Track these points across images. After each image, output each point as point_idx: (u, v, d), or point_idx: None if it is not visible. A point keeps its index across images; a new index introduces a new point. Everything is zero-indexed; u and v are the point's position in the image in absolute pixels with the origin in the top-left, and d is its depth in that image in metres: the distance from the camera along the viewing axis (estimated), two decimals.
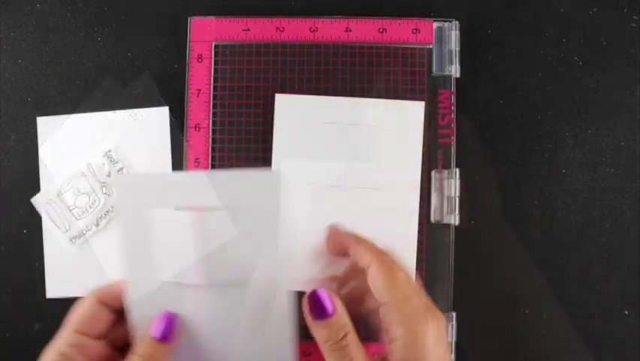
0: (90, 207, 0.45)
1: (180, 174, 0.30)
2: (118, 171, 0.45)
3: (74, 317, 0.30)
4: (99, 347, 0.30)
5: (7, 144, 0.46)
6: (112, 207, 0.45)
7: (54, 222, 0.45)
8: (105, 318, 0.31)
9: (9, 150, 0.46)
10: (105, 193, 0.45)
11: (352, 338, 0.29)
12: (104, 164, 0.45)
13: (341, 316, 0.30)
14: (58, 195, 0.45)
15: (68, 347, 0.29)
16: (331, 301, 0.30)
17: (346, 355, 0.28)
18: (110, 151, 0.45)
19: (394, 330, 0.29)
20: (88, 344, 0.30)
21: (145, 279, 0.31)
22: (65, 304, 0.45)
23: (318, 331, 0.29)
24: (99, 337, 0.31)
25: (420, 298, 0.30)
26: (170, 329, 0.30)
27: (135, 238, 0.31)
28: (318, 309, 0.29)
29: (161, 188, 0.30)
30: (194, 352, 0.31)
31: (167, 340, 0.29)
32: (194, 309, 0.31)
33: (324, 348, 0.29)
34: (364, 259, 0.31)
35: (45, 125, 0.46)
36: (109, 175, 0.45)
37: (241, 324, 0.31)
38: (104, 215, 0.45)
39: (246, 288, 0.31)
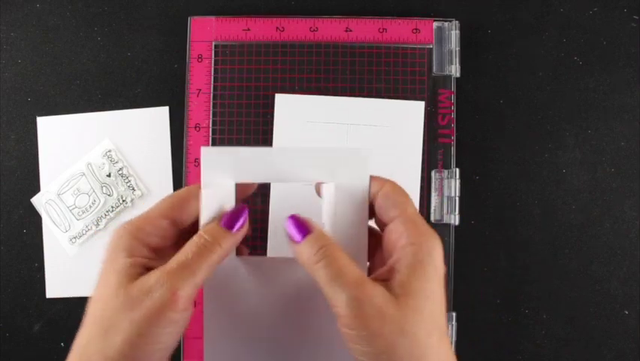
0: (90, 207, 0.45)
1: (267, 150, 0.31)
2: (118, 171, 0.45)
3: (166, 201, 0.30)
4: (171, 229, 0.30)
5: (7, 144, 0.46)
6: (112, 207, 0.45)
7: (54, 222, 0.45)
8: (193, 209, 0.30)
9: (9, 150, 0.46)
10: (105, 193, 0.45)
11: (337, 249, 0.28)
12: (104, 164, 0.45)
13: (320, 231, 0.29)
14: (58, 195, 0.45)
15: (149, 225, 0.29)
16: (308, 222, 0.30)
17: (331, 261, 0.28)
18: (110, 151, 0.45)
19: (408, 237, 0.28)
20: (164, 226, 0.29)
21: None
22: (65, 304, 0.45)
23: (303, 252, 0.29)
24: (178, 224, 0.30)
25: (423, 220, 0.30)
26: (239, 222, 0.30)
27: (217, 208, 0.31)
28: (300, 229, 0.29)
29: (249, 161, 0.31)
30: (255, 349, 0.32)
31: (233, 229, 0.30)
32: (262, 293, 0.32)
33: (309, 265, 0.28)
34: (376, 183, 0.31)
35: (45, 125, 0.46)
36: (109, 175, 0.45)
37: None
38: (104, 215, 0.45)
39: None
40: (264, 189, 0.45)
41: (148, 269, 0.28)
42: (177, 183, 0.46)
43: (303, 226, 0.29)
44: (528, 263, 0.46)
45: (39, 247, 0.46)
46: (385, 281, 0.28)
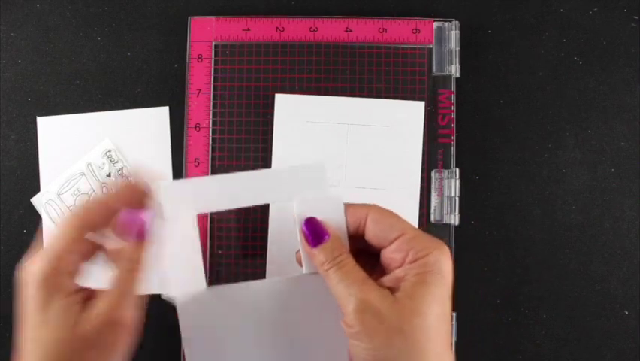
0: None
1: (224, 177, 0.32)
2: (118, 171, 0.45)
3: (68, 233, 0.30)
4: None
5: (7, 144, 0.46)
6: None
7: (54, 222, 0.45)
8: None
9: (9, 150, 0.46)
10: (105, 193, 0.45)
11: (348, 256, 0.30)
12: (104, 164, 0.45)
13: (336, 238, 0.31)
14: (58, 195, 0.45)
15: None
16: (325, 227, 0.31)
17: (342, 269, 0.30)
18: (110, 151, 0.45)
19: (415, 253, 0.29)
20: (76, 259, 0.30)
21: (190, 278, 0.32)
22: None
23: (317, 257, 0.31)
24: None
25: (425, 233, 0.31)
26: (143, 229, 0.31)
27: (181, 241, 0.32)
28: (316, 235, 0.31)
29: (208, 191, 0.32)
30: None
31: (143, 239, 0.31)
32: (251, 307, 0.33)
33: (321, 270, 0.31)
34: (360, 211, 0.32)
35: (45, 125, 0.46)
36: (109, 175, 0.45)
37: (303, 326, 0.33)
38: None
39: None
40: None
41: (80, 294, 0.29)
42: None
43: (319, 232, 0.31)
44: (528, 263, 0.46)
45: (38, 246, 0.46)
46: (390, 288, 0.29)
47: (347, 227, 0.32)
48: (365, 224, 0.31)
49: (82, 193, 0.45)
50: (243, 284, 0.33)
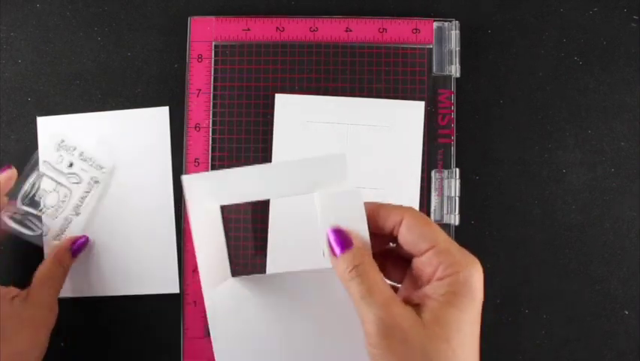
0: (63, 201, 0.45)
1: (246, 169, 0.31)
2: (79, 156, 0.44)
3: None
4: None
5: (7, 144, 0.46)
6: (86, 192, 0.45)
7: (31, 230, 0.44)
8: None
9: (9, 150, 0.46)
10: (74, 183, 0.44)
11: (371, 267, 0.29)
12: (61, 156, 0.44)
13: (359, 247, 0.29)
14: (23, 204, 0.44)
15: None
16: (349, 235, 0.30)
17: (364, 279, 0.28)
18: (62, 141, 0.44)
19: (444, 269, 0.28)
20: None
21: (217, 268, 0.32)
22: (64, 304, 0.45)
23: (339, 265, 0.29)
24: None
25: (458, 247, 0.30)
26: (80, 249, 0.44)
27: (207, 233, 0.32)
28: (340, 243, 0.29)
29: (230, 183, 0.32)
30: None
31: (74, 254, 0.44)
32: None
33: (343, 280, 0.29)
34: (395, 214, 0.30)
35: (45, 125, 0.46)
36: (71, 165, 0.44)
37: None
38: (79, 202, 0.45)
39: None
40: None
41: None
42: (177, 183, 0.46)
43: (343, 241, 0.29)
44: (528, 263, 0.46)
45: (39, 247, 0.46)
46: (417, 306, 0.28)
47: (381, 228, 0.31)
48: (399, 229, 0.30)
49: (49, 192, 0.44)
50: (268, 275, 0.33)
